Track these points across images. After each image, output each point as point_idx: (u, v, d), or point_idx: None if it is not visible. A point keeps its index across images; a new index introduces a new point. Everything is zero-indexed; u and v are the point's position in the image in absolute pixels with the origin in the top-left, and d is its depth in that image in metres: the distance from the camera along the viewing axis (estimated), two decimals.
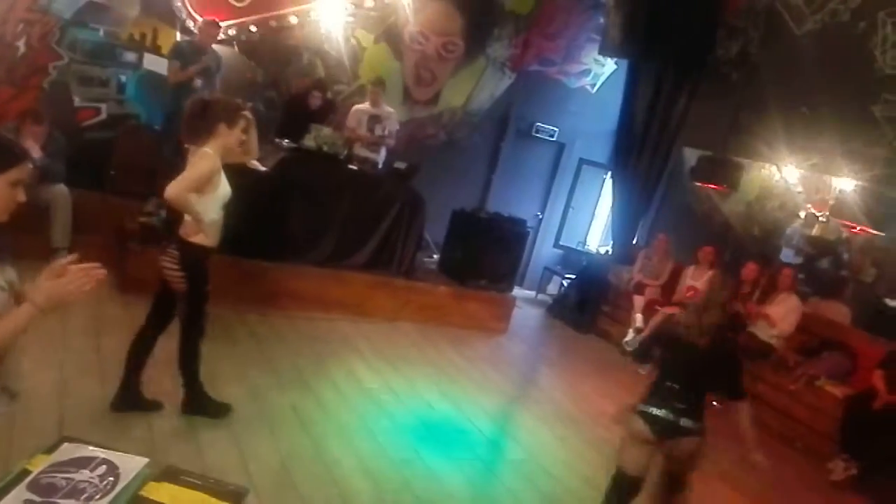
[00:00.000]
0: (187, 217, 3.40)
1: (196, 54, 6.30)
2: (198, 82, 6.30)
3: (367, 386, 4.81)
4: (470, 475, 3.98)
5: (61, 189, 5.44)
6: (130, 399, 3.63)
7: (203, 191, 3.32)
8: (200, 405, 3.75)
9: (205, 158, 3.30)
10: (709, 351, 3.27)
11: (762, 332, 6.33)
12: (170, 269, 3.43)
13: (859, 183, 6.27)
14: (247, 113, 3.55)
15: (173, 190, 3.21)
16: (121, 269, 5.49)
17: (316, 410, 4.21)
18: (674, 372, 3.30)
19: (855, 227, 6.07)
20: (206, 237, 3.43)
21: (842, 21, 6.92)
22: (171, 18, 6.85)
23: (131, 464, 1.51)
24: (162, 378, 3.84)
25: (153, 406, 3.70)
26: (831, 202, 7.04)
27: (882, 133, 6.44)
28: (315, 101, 6.99)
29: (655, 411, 3.22)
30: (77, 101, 6.78)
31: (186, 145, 3.45)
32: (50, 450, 1.51)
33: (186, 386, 3.74)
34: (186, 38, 6.66)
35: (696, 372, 3.26)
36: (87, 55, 6.70)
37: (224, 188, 3.43)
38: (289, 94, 7.49)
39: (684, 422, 3.18)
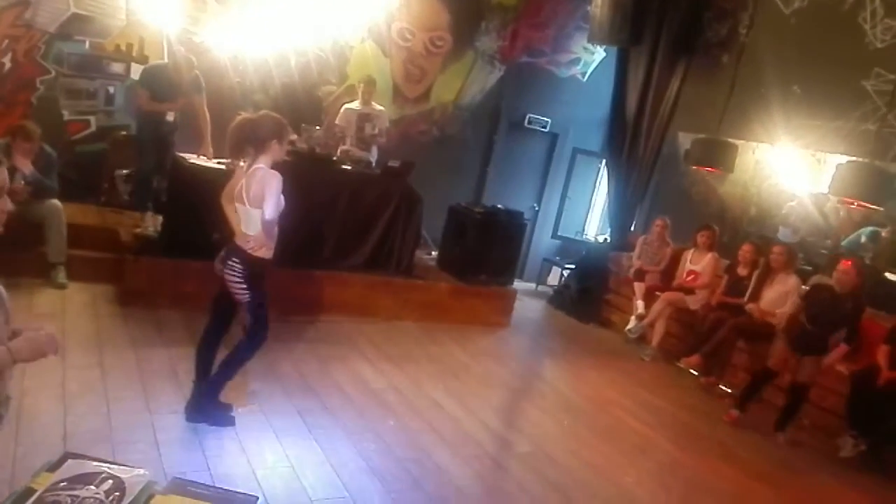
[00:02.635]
0: (251, 232, 3.55)
1: (171, 83, 6.01)
2: (170, 115, 6.11)
3: (371, 386, 4.79)
4: (479, 470, 3.97)
5: (54, 204, 5.40)
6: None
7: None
8: (210, 412, 3.76)
9: (272, 175, 3.50)
10: (846, 317, 5.23)
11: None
12: (234, 282, 3.56)
13: (854, 158, 6.26)
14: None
15: (272, 212, 3.46)
16: (118, 282, 5.47)
17: (321, 414, 4.19)
18: (812, 317, 5.33)
19: (852, 203, 6.04)
20: (268, 251, 3.62)
21: None
22: (157, 28, 6.81)
23: (137, 477, 1.49)
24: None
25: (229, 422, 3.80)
26: (827, 179, 7.02)
27: (875, 107, 6.43)
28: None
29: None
30: (66, 115, 6.75)
31: (234, 161, 3.71)
32: (54, 467, 1.49)
33: (208, 389, 3.75)
34: (160, 62, 6.47)
35: (830, 316, 5.24)
36: (74, 68, 6.67)
37: (282, 201, 3.60)
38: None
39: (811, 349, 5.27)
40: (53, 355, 1.89)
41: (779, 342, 5.58)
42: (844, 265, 5.41)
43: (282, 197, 3.60)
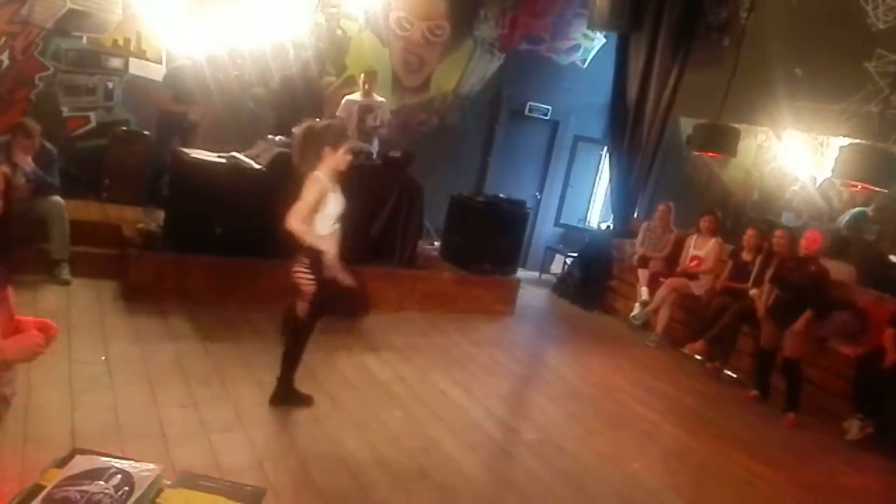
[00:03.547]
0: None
1: (193, 85, 6.49)
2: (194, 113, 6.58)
3: (377, 377, 4.80)
4: (486, 459, 3.97)
5: (56, 201, 5.39)
6: (290, 396, 4.01)
7: (315, 210, 3.72)
8: (289, 397, 4.03)
9: (313, 183, 3.69)
10: (813, 278, 5.43)
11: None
12: (302, 274, 3.77)
13: (857, 140, 6.23)
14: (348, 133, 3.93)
15: (294, 222, 3.63)
16: (122, 278, 5.47)
17: (328, 405, 4.20)
18: (787, 290, 5.57)
19: (856, 186, 6.01)
20: (326, 245, 3.79)
21: None
22: (154, 22, 6.78)
23: (145, 472, 1.49)
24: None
25: (307, 401, 4.07)
26: (830, 162, 6.99)
27: (878, 89, 6.40)
28: None
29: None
30: (66, 111, 6.73)
31: (301, 170, 3.81)
32: (62, 463, 1.48)
33: (281, 379, 4.01)
34: (185, 62, 6.68)
35: (794, 278, 5.54)
36: (73, 64, 6.65)
37: (333, 205, 3.79)
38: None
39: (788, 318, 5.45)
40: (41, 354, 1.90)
41: (766, 322, 5.76)
42: (811, 234, 5.66)
43: (330, 202, 3.74)
